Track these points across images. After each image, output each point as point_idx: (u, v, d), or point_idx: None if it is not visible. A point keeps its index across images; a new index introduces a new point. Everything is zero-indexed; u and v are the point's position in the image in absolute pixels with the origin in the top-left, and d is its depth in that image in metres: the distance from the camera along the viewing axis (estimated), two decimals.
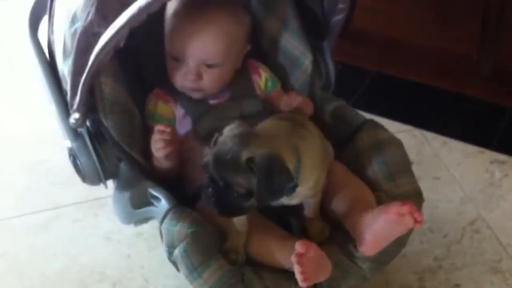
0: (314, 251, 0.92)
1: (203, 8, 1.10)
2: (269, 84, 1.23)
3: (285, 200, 0.98)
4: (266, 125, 1.01)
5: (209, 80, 1.13)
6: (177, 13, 1.11)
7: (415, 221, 0.95)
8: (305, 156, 0.95)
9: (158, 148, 1.06)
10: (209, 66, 1.12)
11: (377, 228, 0.97)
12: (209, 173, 0.92)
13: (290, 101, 1.19)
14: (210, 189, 0.92)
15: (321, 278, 0.96)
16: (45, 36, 1.17)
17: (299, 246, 0.91)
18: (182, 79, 1.13)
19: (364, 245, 0.99)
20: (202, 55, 1.11)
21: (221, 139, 0.93)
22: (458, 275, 1.31)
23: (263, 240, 1.01)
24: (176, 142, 1.07)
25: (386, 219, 0.96)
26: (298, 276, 0.92)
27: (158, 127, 1.06)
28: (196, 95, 1.16)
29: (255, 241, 1.01)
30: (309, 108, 1.22)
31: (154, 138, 1.06)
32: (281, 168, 0.90)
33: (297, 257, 0.91)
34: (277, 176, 0.90)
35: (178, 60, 1.12)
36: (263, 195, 0.90)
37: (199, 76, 1.12)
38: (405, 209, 0.95)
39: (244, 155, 0.89)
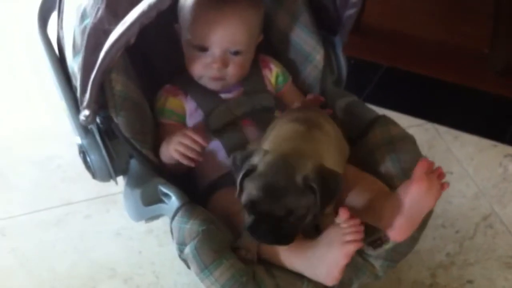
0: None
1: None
2: (280, 79, 1.23)
3: None
4: (281, 130, 1.00)
5: (234, 68, 1.13)
6: (199, 3, 1.10)
7: (442, 185, 0.95)
8: (323, 159, 0.95)
9: (181, 153, 1.04)
10: (235, 53, 1.12)
11: (405, 207, 0.94)
12: (260, 210, 0.90)
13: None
14: (263, 226, 0.91)
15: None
16: (54, 32, 1.18)
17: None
18: (205, 69, 1.13)
19: (396, 230, 0.96)
20: (229, 42, 1.11)
21: (255, 174, 0.91)
22: (471, 271, 1.30)
23: None
24: (202, 156, 1.06)
25: (413, 192, 0.93)
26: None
27: (192, 135, 1.04)
28: (215, 85, 1.15)
29: None
30: None
31: (181, 140, 1.04)
32: (330, 173, 0.92)
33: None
34: (332, 183, 0.91)
35: (203, 49, 1.12)
36: (325, 204, 0.91)
37: (225, 64, 1.12)
38: (426, 165, 0.94)
39: (299, 177, 0.89)
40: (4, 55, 1.84)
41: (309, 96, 1.23)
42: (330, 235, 0.94)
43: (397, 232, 0.97)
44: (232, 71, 1.14)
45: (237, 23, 1.11)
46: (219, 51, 1.11)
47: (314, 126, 1.00)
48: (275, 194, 0.90)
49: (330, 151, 0.99)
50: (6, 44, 1.82)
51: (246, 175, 0.92)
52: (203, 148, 1.05)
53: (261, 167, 0.91)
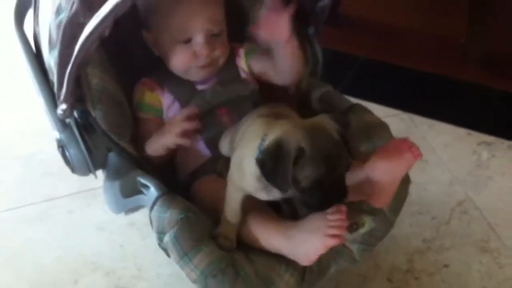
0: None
1: None
2: (250, 53, 1.21)
3: None
4: (252, 125, 1.02)
5: (221, 48, 1.15)
6: (169, 0, 1.11)
7: (415, 156, 0.96)
8: None
9: (177, 133, 1.07)
10: (216, 35, 1.14)
11: (379, 175, 0.97)
12: (326, 182, 0.90)
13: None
14: (333, 193, 0.92)
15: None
16: (31, 28, 1.18)
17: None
18: (192, 60, 1.14)
19: (376, 197, 0.99)
20: (211, 24, 1.12)
21: (305, 157, 0.89)
22: (447, 256, 1.33)
23: (253, 224, 1.02)
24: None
25: (387, 157, 0.96)
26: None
27: (187, 111, 1.08)
28: (204, 73, 1.16)
29: (245, 225, 1.02)
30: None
31: (178, 124, 1.08)
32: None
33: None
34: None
35: (187, 41, 1.12)
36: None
37: (212, 48, 1.13)
38: (404, 146, 0.96)
39: (335, 134, 0.93)
40: (4, 55, 1.84)
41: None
42: (316, 223, 0.96)
43: (377, 197, 0.99)
44: (219, 53, 1.15)
45: (212, 3, 1.13)
46: (203, 36, 1.12)
47: (283, 117, 1.02)
48: (335, 159, 0.90)
49: None
50: (6, 44, 1.82)
51: (295, 163, 0.89)
52: (197, 123, 1.08)
53: (306, 146, 0.89)
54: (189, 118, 1.09)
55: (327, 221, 0.94)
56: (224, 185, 1.04)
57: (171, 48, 1.14)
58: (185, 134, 1.08)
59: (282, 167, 0.89)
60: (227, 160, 1.07)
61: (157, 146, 1.12)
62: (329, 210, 0.94)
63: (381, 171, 0.96)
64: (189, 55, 1.13)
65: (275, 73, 1.16)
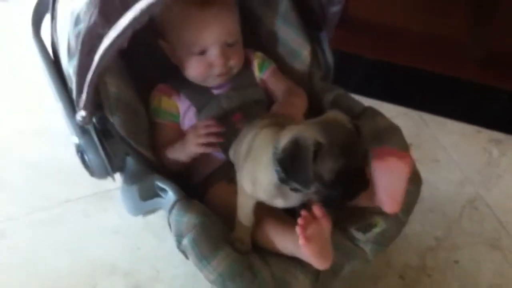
0: (326, 221, 0.96)
1: None
2: (263, 68, 1.25)
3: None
4: (261, 135, 1.04)
5: (235, 59, 1.17)
6: (184, 12, 1.12)
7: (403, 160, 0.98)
8: None
9: (204, 144, 1.11)
10: (231, 45, 1.16)
11: (378, 184, 0.99)
12: (347, 175, 0.91)
13: None
14: (354, 185, 0.93)
15: (323, 258, 0.98)
16: (47, 35, 1.20)
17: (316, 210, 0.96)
18: (209, 70, 1.16)
19: (386, 205, 1.00)
20: (224, 36, 1.14)
21: (323, 150, 0.90)
22: (459, 254, 1.35)
23: (268, 228, 1.04)
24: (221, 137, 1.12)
25: (377, 173, 0.98)
26: (299, 231, 0.95)
27: (204, 124, 1.12)
28: (221, 80, 1.19)
29: (261, 228, 1.05)
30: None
31: (199, 133, 1.11)
32: None
33: (304, 217, 0.95)
34: None
35: (203, 52, 1.15)
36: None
37: (227, 57, 1.15)
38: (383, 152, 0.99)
39: (349, 124, 0.94)
40: (4, 55, 1.86)
41: None
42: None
43: (387, 205, 1.00)
44: (235, 62, 1.17)
45: (227, 16, 1.15)
46: (218, 48, 1.14)
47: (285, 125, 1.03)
48: (352, 149, 0.91)
49: None
50: (6, 44, 1.85)
51: (314, 158, 0.90)
52: (219, 131, 1.11)
53: (323, 140, 0.90)
54: (210, 127, 1.11)
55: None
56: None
57: (187, 59, 1.16)
58: (207, 143, 1.11)
59: (303, 163, 0.90)
60: None
61: (180, 154, 1.15)
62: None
63: (380, 184, 0.99)
64: (205, 66, 1.16)
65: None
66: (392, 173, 0.98)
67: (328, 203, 0.97)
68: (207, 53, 1.15)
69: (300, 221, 0.95)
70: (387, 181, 0.98)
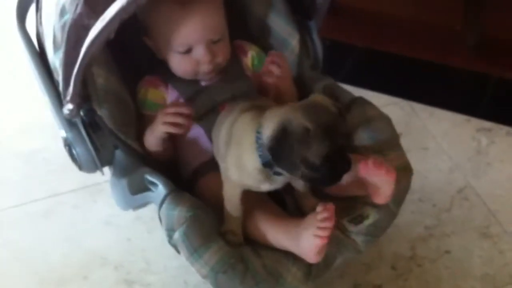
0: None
1: None
2: (256, 61, 1.24)
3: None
4: (241, 119, 1.03)
5: (222, 54, 1.15)
6: (167, 12, 1.10)
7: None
8: None
9: (170, 123, 1.07)
10: (216, 42, 1.14)
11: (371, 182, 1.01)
12: (332, 155, 0.92)
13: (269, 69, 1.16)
14: (339, 165, 0.94)
15: (319, 254, 0.99)
16: (33, 27, 1.19)
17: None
18: (196, 68, 1.14)
19: (376, 196, 1.03)
20: (209, 33, 1.12)
21: (310, 135, 0.90)
22: (449, 242, 1.35)
23: (260, 221, 1.04)
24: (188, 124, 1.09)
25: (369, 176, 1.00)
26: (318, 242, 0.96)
27: (174, 105, 1.09)
28: (209, 77, 1.17)
29: (252, 222, 1.04)
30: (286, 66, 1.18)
31: (167, 112, 1.07)
32: None
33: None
34: None
35: (188, 51, 1.13)
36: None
37: (213, 55, 1.13)
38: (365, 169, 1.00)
39: (332, 107, 0.95)
40: (4, 55, 1.85)
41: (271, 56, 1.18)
42: (307, 222, 0.98)
43: (377, 196, 1.03)
44: (221, 59, 1.15)
45: (211, 13, 1.12)
46: (203, 45, 1.12)
47: (264, 107, 1.03)
48: (336, 131, 0.92)
49: None
50: (6, 44, 1.83)
51: (302, 143, 0.90)
52: (189, 113, 1.08)
53: (309, 125, 0.90)
54: (179, 107, 1.09)
55: (316, 220, 0.96)
56: None
57: (172, 57, 1.14)
58: (175, 123, 1.08)
59: (293, 150, 0.91)
60: None
61: (151, 138, 1.12)
62: (318, 209, 0.96)
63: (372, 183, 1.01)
64: (191, 64, 1.14)
65: None
66: (381, 181, 1.01)
67: (318, 183, 0.98)
68: (193, 52, 1.13)
69: (323, 223, 0.96)
70: (375, 182, 1.00)
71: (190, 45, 1.12)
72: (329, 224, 0.95)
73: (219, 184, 1.07)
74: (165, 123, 1.07)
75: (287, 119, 0.92)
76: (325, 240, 0.96)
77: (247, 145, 0.97)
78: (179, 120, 1.07)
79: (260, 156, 0.96)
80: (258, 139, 0.95)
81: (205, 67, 1.14)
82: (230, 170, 1.02)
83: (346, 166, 0.95)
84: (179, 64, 1.15)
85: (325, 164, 0.92)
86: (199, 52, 1.12)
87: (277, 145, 0.92)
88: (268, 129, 0.94)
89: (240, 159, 0.99)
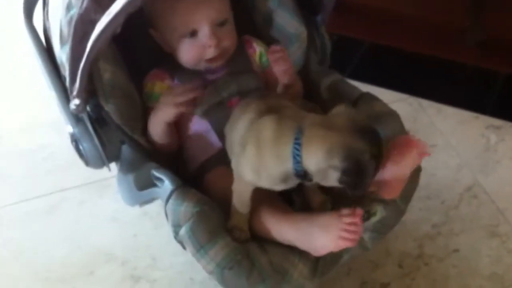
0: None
1: None
2: (264, 58, 1.24)
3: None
4: (263, 130, 1.00)
5: (228, 38, 1.15)
6: None
7: (421, 153, 0.99)
8: None
9: (179, 104, 1.08)
10: (221, 24, 1.13)
11: (389, 169, 0.98)
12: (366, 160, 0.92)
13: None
14: (368, 171, 0.93)
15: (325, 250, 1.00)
16: (40, 22, 1.18)
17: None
18: (201, 52, 1.14)
19: (386, 190, 1.00)
20: (214, 15, 1.12)
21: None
22: (457, 241, 1.34)
23: (266, 217, 1.03)
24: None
25: (393, 159, 0.98)
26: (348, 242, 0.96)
27: (180, 87, 1.10)
28: (214, 65, 1.17)
29: (258, 217, 1.04)
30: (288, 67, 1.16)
31: (174, 93, 1.08)
32: None
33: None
34: None
35: (193, 33, 1.12)
36: None
37: (219, 38, 1.13)
38: (410, 145, 0.99)
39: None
40: (4, 56, 1.85)
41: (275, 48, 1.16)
42: (329, 222, 0.97)
43: (388, 190, 1.00)
44: (227, 43, 1.15)
45: None
46: (209, 27, 1.11)
47: (279, 108, 1.02)
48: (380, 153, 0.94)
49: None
50: (6, 44, 1.83)
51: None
52: (196, 91, 1.09)
53: (373, 151, 0.92)
54: (189, 90, 1.10)
55: (341, 223, 0.96)
56: None
57: (179, 44, 1.14)
58: (180, 102, 1.09)
59: (367, 180, 0.92)
60: None
61: (157, 124, 1.12)
62: (345, 212, 0.96)
63: (389, 172, 0.98)
64: (197, 49, 1.13)
65: None
66: (407, 163, 0.98)
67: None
68: (198, 35, 1.12)
69: (350, 227, 0.96)
70: (396, 169, 0.98)
71: (195, 26, 1.12)
72: (356, 228, 0.96)
73: (226, 178, 1.07)
74: (177, 104, 1.08)
75: (355, 149, 0.91)
76: (350, 243, 0.96)
77: (276, 155, 0.96)
78: (190, 95, 1.08)
79: (295, 167, 0.94)
80: (295, 151, 0.94)
81: (211, 51, 1.13)
82: (244, 171, 1.00)
83: (373, 173, 0.95)
84: (185, 51, 1.14)
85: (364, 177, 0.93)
86: (204, 33, 1.12)
87: (356, 177, 0.92)
88: (321, 155, 0.92)
89: (261, 164, 0.98)
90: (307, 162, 0.93)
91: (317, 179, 0.95)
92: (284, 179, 0.97)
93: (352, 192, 0.93)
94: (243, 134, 1.02)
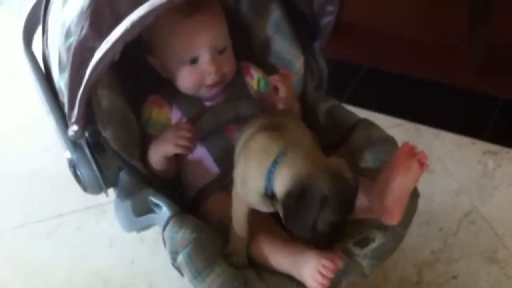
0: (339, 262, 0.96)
1: (192, 6, 1.11)
2: (262, 84, 1.24)
3: None
4: (258, 143, 1.01)
5: (228, 64, 1.16)
6: (171, 23, 1.12)
7: (421, 164, 0.98)
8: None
9: (180, 145, 1.10)
10: (221, 52, 1.15)
11: (389, 191, 0.98)
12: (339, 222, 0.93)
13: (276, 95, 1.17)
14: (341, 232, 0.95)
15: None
16: (39, 49, 1.19)
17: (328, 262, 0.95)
18: (201, 79, 1.14)
19: (387, 214, 0.99)
20: (214, 42, 1.13)
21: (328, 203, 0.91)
22: (456, 267, 1.34)
23: (264, 244, 1.03)
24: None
25: (394, 175, 0.97)
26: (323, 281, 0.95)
27: (181, 124, 1.11)
28: (215, 91, 1.17)
29: (256, 244, 1.03)
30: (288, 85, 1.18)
31: (177, 134, 1.10)
32: None
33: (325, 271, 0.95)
34: None
35: (194, 60, 1.13)
36: None
37: (219, 65, 1.14)
38: (407, 149, 0.99)
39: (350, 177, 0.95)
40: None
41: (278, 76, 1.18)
42: (309, 259, 0.97)
43: (389, 215, 0.99)
44: (227, 69, 1.16)
45: (215, 21, 1.14)
46: (209, 54, 1.13)
47: (281, 127, 1.03)
48: (351, 206, 0.94)
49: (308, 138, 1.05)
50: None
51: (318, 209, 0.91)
52: (194, 136, 1.11)
53: (329, 193, 0.91)
54: (190, 131, 1.11)
55: (318, 264, 0.96)
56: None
57: (178, 70, 1.15)
58: (181, 144, 1.10)
59: (306, 214, 0.91)
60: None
61: (156, 155, 1.13)
62: (326, 255, 0.96)
63: (391, 189, 0.97)
64: (197, 75, 1.14)
65: None
66: (408, 174, 0.98)
67: (315, 245, 0.97)
68: (199, 61, 1.13)
69: (326, 272, 0.95)
70: (398, 182, 0.97)
71: (196, 53, 1.13)
72: (328, 274, 0.95)
73: (224, 205, 1.07)
74: (177, 145, 1.09)
75: (309, 180, 0.91)
76: (319, 285, 0.95)
77: (257, 166, 0.97)
78: (189, 144, 1.10)
79: (266, 186, 0.95)
80: (271, 169, 0.95)
81: (211, 78, 1.14)
82: (236, 182, 1.01)
83: (343, 235, 0.96)
84: (185, 77, 1.15)
85: (328, 231, 0.93)
86: (205, 60, 1.13)
87: (290, 203, 0.92)
88: (286, 180, 0.93)
89: (247, 177, 0.99)
90: (276, 183, 0.94)
91: (278, 207, 0.95)
92: (263, 199, 0.97)
93: (284, 222, 0.93)
94: (240, 147, 1.04)
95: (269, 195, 0.96)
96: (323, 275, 0.95)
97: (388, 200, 0.98)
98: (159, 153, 1.12)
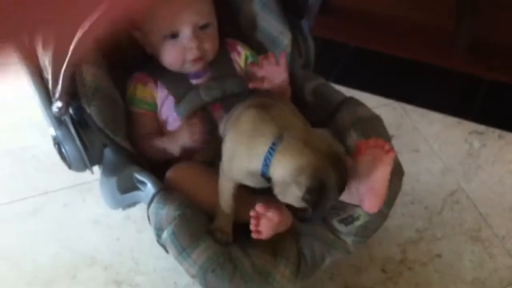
0: (273, 213, 0.99)
1: None
2: (250, 60, 1.23)
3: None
4: (245, 116, 1.02)
5: (209, 42, 1.15)
6: None
7: (387, 151, 1.00)
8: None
9: (196, 140, 1.10)
10: (203, 27, 1.14)
11: (362, 182, 1.00)
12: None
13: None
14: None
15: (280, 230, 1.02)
16: None
17: (258, 208, 0.99)
18: (183, 54, 1.14)
19: (366, 204, 1.01)
20: (197, 18, 1.12)
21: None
22: (439, 246, 1.35)
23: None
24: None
25: (361, 168, 1.00)
26: (252, 229, 1.00)
27: (199, 125, 1.11)
28: (196, 67, 1.17)
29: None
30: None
31: (193, 129, 1.10)
32: None
33: (255, 216, 0.99)
34: None
35: (174, 35, 1.13)
36: None
37: (200, 40, 1.13)
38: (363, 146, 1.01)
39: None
40: None
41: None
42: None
43: (367, 206, 1.01)
44: (209, 46, 1.15)
45: None
46: (190, 29, 1.12)
47: (272, 107, 1.03)
48: (344, 188, 0.96)
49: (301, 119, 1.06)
50: None
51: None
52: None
53: (336, 180, 0.93)
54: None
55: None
56: (201, 172, 1.08)
57: (161, 45, 1.14)
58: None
59: (326, 203, 0.94)
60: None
61: (170, 145, 1.13)
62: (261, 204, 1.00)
63: (363, 172, 0.99)
64: (179, 50, 1.14)
65: None
66: (376, 166, 0.99)
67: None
68: (180, 36, 1.13)
69: (252, 221, 0.99)
70: (371, 174, 0.98)
71: (176, 28, 1.12)
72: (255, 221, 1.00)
73: (190, 173, 1.08)
74: (195, 139, 1.10)
75: (323, 172, 0.92)
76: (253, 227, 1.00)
77: (246, 149, 0.97)
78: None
79: (263, 168, 0.95)
80: (269, 153, 0.94)
81: (192, 53, 1.14)
82: (223, 160, 1.01)
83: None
84: (167, 52, 1.14)
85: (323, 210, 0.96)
86: (186, 35, 1.12)
87: (318, 197, 0.93)
88: (290, 170, 0.93)
89: (235, 155, 0.99)
90: (274, 170, 0.94)
91: (276, 190, 0.95)
92: (252, 174, 0.98)
93: (309, 215, 0.95)
94: (230, 123, 1.04)
95: (266, 178, 0.96)
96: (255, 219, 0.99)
97: (365, 189, 0.99)
98: (174, 145, 1.12)
